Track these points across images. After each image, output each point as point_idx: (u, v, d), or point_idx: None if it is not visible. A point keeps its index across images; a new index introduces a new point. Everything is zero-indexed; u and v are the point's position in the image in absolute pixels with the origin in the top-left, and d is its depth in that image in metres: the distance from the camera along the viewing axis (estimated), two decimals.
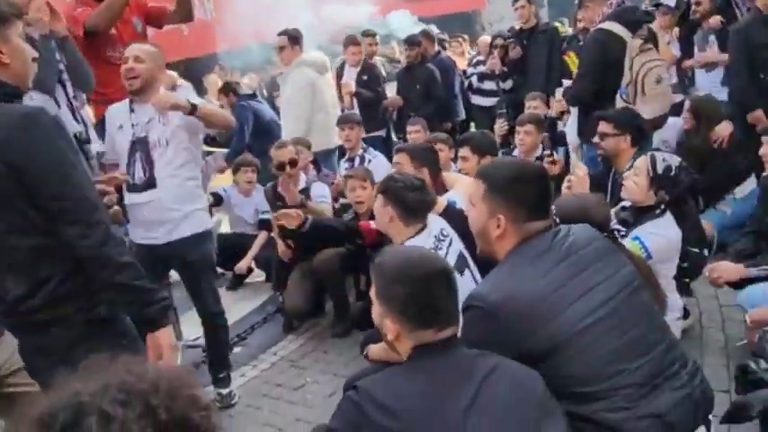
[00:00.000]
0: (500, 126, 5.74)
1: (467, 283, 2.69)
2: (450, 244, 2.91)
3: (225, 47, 9.43)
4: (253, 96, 6.62)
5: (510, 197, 2.01)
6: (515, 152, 4.68)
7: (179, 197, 3.25)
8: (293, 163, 4.34)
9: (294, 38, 5.54)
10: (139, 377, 0.94)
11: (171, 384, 0.94)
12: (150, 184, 3.18)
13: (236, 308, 4.78)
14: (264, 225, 5.28)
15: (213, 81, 8.43)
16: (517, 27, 6.65)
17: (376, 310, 1.77)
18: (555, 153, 4.40)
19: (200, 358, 3.94)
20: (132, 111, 3.26)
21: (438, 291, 1.68)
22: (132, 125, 3.24)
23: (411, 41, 6.92)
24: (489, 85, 6.96)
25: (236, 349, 4.21)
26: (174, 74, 6.15)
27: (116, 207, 3.68)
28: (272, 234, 5.24)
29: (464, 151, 3.79)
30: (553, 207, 2.35)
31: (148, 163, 3.19)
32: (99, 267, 1.94)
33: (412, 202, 2.87)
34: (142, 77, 3.17)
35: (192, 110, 3.13)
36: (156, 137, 3.22)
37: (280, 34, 5.50)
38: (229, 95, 6.44)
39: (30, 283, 1.94)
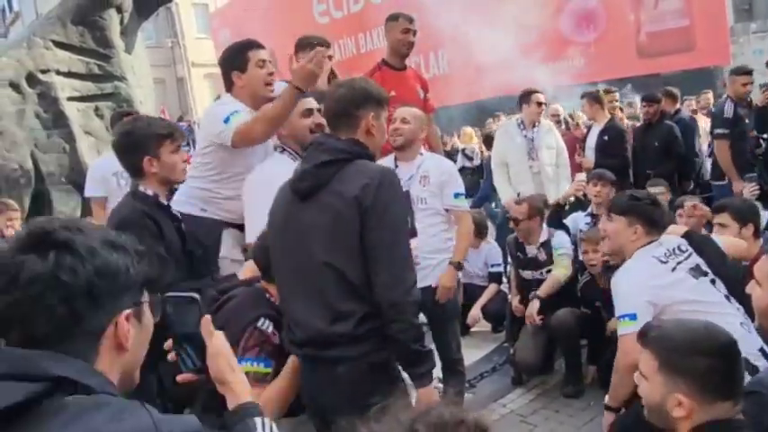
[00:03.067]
0: (750, 190, 5.35)
1: (705, 287, 2.82)
2: (687, 257, 2.92)
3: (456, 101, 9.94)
4: None
5: None
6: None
7: (435, 246, 3.55)
8: (516, 221, 4.53)
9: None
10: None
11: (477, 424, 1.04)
12: (412, 233, 3.48)
13: (464, 355, 4.93)
14: (495, 277, 5.44)
15: (469, 133, 9.04)
16: None
17: (655, 387, 1.74)
18: None
19: None
20: (396, 167, 3.65)
21: (735, 361, 1.69)
22: None
23: (650, 98, 6.74)
24: None
25: (466, 395, 4.34)
26: None
27: None
28: (502, 287, 5.39)
29: (722, 218, 3.56)
30: None
31: (410, 214, 3.51)
32: (391, 319, 2.11)
33: (658, 215, 3.01)
34: (405, 136, 3.60)
35: None
36: (415, 194, 3.58)
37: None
38: None
39: (332, 315, 2.13)
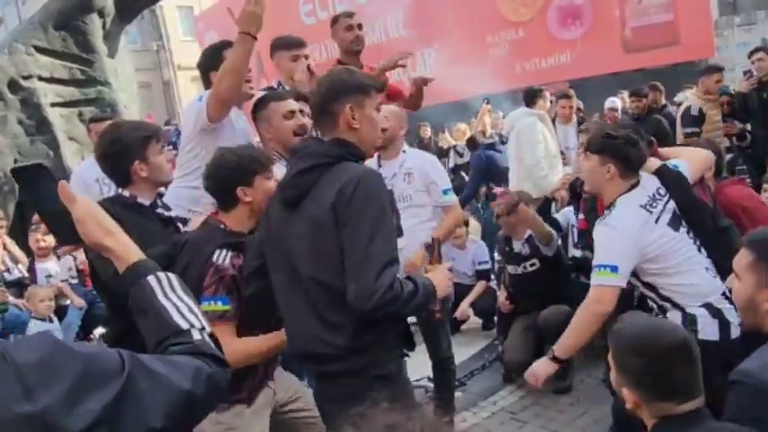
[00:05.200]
0: None
1: (683, 240, 2.76)
2: (666, 202, 2.84)
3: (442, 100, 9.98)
4: (491, 146, 7.15)
5: None
6: None
7: (422, 242, 3.49)
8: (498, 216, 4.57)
9: None
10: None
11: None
12: (398, 233, 3.45)
13: (454, 353, 4.91)
14: (483, 275, 5.43)
15: (462, 129, 9.19)
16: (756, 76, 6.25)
17: (613, 376, 1.81)
18: None
19: (423, 399, 4.11)
20: (380, 166, 3.62)
21: (676, 364, 1.67)
22: None
23: (638, 93, 6.82)
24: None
25: (457, 393, 4.33)
26: None
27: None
28: (491, 284, 5.39)
29: None
30: None
31: (395, 213, 3.47)
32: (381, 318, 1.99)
33: (634, 156, 2.83)
34: (385, 135, 3.52)
35: None
36: (399, 193, 3.54)
37: None
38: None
39: (326, 329, 2.03)
